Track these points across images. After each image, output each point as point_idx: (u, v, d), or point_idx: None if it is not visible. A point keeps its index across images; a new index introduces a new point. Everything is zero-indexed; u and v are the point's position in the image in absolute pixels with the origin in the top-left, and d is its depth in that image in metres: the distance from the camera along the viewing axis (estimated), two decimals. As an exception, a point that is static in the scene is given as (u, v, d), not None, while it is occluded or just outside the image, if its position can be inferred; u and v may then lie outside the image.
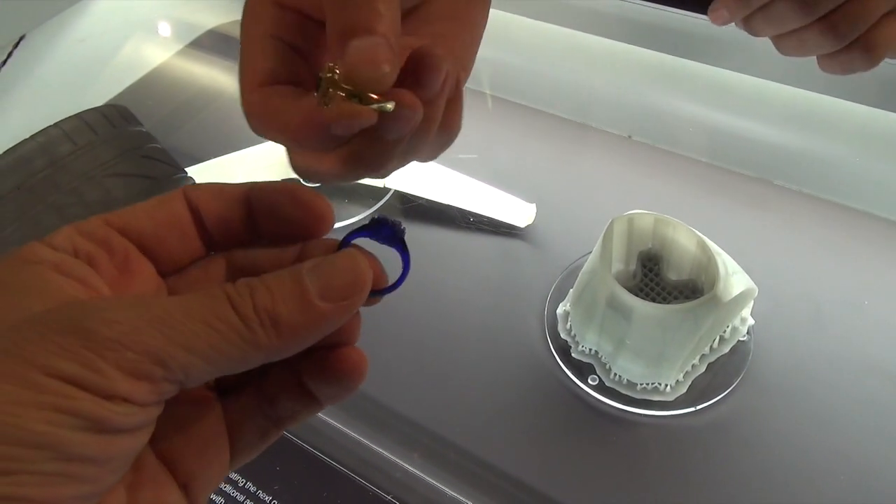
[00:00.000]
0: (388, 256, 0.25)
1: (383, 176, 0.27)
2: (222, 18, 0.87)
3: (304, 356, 0.23)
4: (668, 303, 0.54)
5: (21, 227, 0.49)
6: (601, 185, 0.67)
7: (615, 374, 0.52)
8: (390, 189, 0.67)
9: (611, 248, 0.52)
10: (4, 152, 0.50)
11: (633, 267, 0.56)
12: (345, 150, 0.25)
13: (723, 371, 0.53)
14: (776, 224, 0.62)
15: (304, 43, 0.27)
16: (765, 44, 0.46)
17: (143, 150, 0.56)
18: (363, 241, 0.24)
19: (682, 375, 0.51)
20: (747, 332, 0.54)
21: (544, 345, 0.56)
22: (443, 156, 0.29)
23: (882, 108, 0.61)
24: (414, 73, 0.24)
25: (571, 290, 0.56)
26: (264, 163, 0.67)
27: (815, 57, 0.43)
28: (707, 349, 0.52)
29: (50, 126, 0.53)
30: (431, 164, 0.39)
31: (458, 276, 0.61)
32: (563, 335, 0.56)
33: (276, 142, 0.26)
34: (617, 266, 0.55)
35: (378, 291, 0.24)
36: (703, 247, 0.51)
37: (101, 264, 0.22)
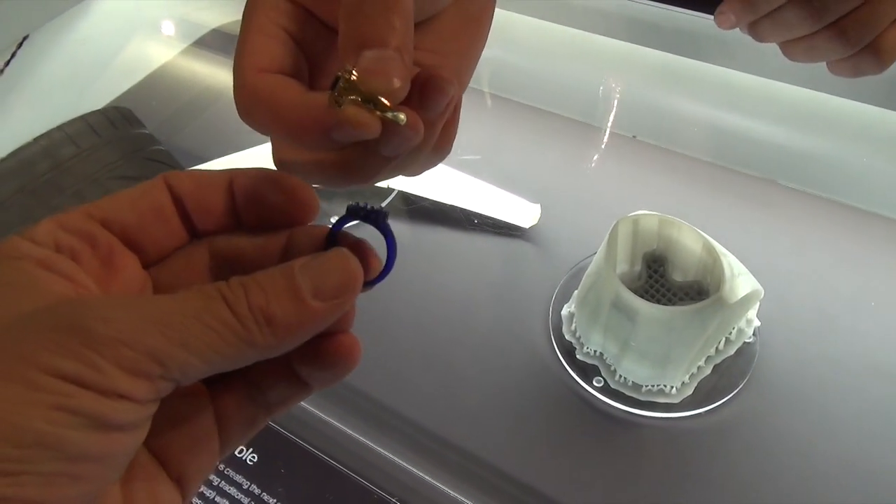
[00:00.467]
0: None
1: (367, 186, 0.27)
2: (226, 18, 0.87)
3: None
4: (673, 304, 0.54)
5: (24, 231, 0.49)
6: (606, 185, 0.67)
7: (620, 376, 0.52)
8: (394, 189, 0.66)
9: (616, 250, 0.52)
10: (7, 155, 0.50)
11: (637, 268, 0.55)
12: (336, 155, 0.25)
13: (728, 373, 0.53)
14: (782, 224, 0.62)
15: (308, 40, 0.27)
16: (770, 45, 0.45)
17: (146, 152, 0.56)
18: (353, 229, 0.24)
19: (687, 377, 0.51)
20: (753, 334, 0.54)
21: (549, 346, 0.56)
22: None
23: (889, 109, 0.61)
24: (420, 93, 0.24)
25: (576, 291, 0.56)
26: (268, 163, 0.67)
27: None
28: (713, 351, 0.52)
29: (53, 129, 0.53)
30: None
31: (461, 277, 0.61)
32: (567, 336, 0.55)
33: (265, 132, 0.25)
34: (622, 267, 0.54)
35: (369, 282, 0.23)
36: (709, 248, 0.51)
37: (85, 259, 0.22)
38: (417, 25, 0.28)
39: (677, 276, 0.55)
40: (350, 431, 0.52)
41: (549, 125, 0.72)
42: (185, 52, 0.85)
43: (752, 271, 0.52)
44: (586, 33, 0.65)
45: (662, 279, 0.55)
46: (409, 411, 0.53)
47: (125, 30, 0.84)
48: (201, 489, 0.49)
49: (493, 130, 0.71)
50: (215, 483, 0.49)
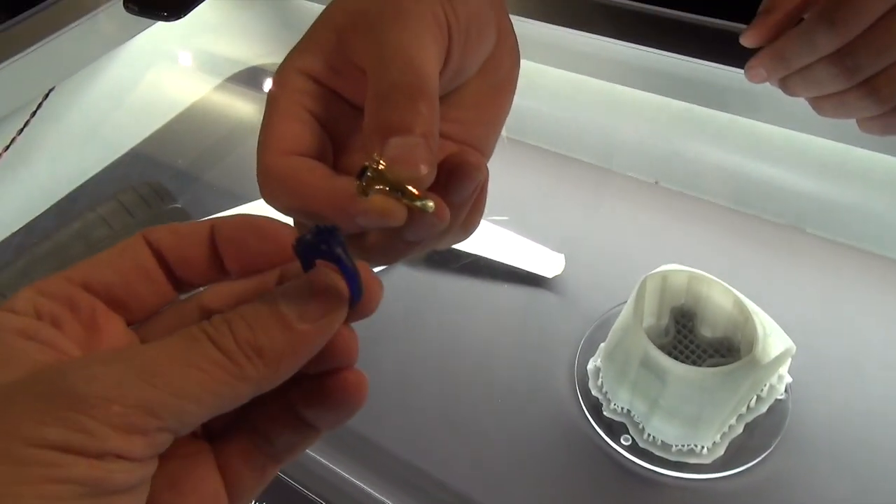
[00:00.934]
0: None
1: (386, 265, 0.27)
2: (250, 62, 0.88)
3: (296, 384, 0.23)
4: (702, 360, 0.53)
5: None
6: (630, 233, 0.66)
7: (649, 435, 0.51)
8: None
9: (643, 305, 0.51)
10: (43, 239, 0.51)
11: (665, 322, 0.54)
12: (360, 238, 0.25)
13: (760, 431, 0.51)
14: (810, 274, 0.61)
15: (334, 121, 0.27)
16: (797, 99, 0.45)
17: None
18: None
19: (718, 437, 0.50)
20: (785, 391, 0.52)
21: (574, 401, 0.55)
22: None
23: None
24: (448, 179, 0.24)
25: (603, 344, 0.55)
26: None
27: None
28: (744, 409, 0.50)
29: (87, 210, 0.54)
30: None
31: (484, 327, 0.60)
32: (594, 392, 0.54)
33: (288, 214, 0.25)
34: (648, 321, 0.53)
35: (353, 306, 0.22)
36: (740, 306, 0.50)
37: (67, 324, 0.21)
38: (442, 97, 0.28)
39: (706, 332, 0.53)
40: (365, 486, 0.51)
41: (571, 172, 0.71)
42: (206, 96, 0.86)
43: (780, 323, 0.51)
44: (611, 84, 0.65)
45: (691, 335, 0.54)
46: (427, 466, 0.52)
47: (149, 75, 0.85)
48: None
49: (516, 177, 0.71)
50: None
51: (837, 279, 0.60)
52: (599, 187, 0.70)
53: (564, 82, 0.69)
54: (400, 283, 0.63)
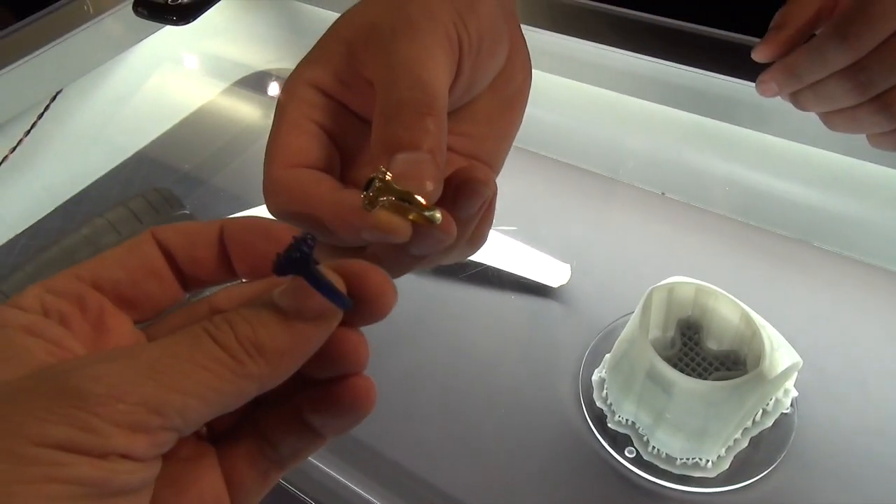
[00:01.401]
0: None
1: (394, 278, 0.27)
2: (258, 66, 0.88)
3: (303, 389, 0.22)
4: (708, 373, 0.52)
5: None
6: (637, 244, 0.66)
7: (653, 448, 0.50)
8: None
9: (649, 317, 0.51)
10: (51, 243, 0.51)
11: (671, 334, 0.54)
12: (365, 250, 0.25)
13: (766, 445, 0.51)
14: (817, 288, 0.61)
15: (341, 133, 0.27)
16: (806, 113, 0.45)
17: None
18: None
19: (724, 450, 0.50)
20: (791, 405, 0.52)
21: (578, 412, 0.55)
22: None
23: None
24: (455, 194, 0.24)
25: (608, 355, 0.55)
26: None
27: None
28: (750, 423, 0.50)
29: (96, 216, 0.53)
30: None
31: (488, 336, 0.60)
32: (598, 403, 0.54)
33: (294, 224, 0.25)
34: (654, 333, 0.53)
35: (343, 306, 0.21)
36: (748, 320, 0.49)
37: (74, 322, 0.21)
38: (453, 111, 0.28)
39: (712, 345, 0.53)
40: (366, 494, 0.51)
41: (579, 182, 0.71)
42: (212, 101, 0.86)
43: (786, 336, 0.51)
44: (619, 94, 0.65)
45: (697, 347, 0.54)
46: (429, 475, 0.52)
47: (156, 79, 0.86)
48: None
49: (523, 187, 0.71)
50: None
51: (845, 293, 0.60)
52: (607, 198, 0.70)
53: (573, 92, 0.69)
54: (406, 291, 0.62)
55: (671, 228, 0.66)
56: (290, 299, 0.20)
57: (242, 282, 0.24)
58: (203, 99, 0.85)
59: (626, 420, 0.52)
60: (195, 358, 0.19)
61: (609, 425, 0.53)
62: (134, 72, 0.82)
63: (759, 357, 0.47)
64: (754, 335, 0.49)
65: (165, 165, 0.78)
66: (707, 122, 0.63)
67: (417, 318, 0.61)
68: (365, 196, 0.22)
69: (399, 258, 0.25)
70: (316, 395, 0.23)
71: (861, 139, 0.43)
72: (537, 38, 0.62)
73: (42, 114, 0.70)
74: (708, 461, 0.49)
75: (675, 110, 0.63)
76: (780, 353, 0.48)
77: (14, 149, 0.70)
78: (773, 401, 0.51)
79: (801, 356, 0.50)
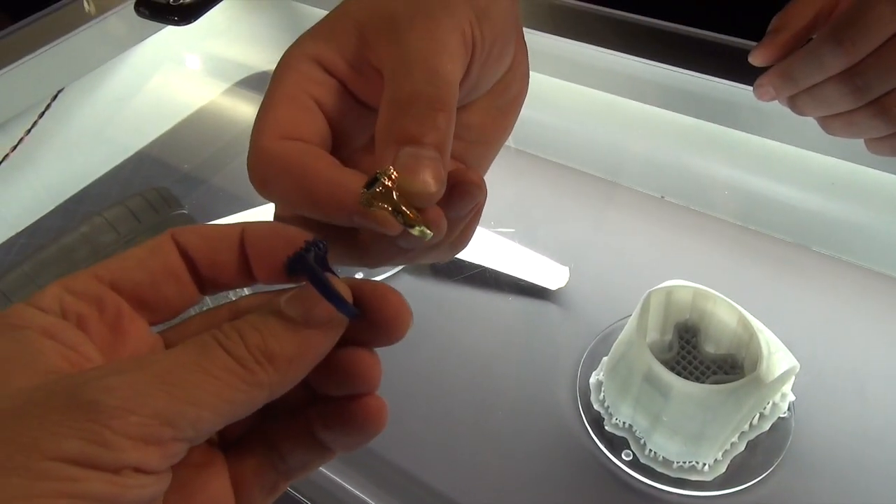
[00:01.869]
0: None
1: (372, 267, 0.27)
2: (259, 67, 0.88)
3: (315, 404, 0.22)
4: (705, 377, 0.52)
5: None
6: (635, 247, 0.66)
7: (650, 451, 0.50)
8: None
9: (647, 321, 0.51)
10: (49, 242, 0.51)
11: (669, 337, 0.54)
12: (351, 235, 0.25)
13: (763, 449, 0.51)
14: (815, 292, 0.61)
15: (339, 117, 0.26)
16: (805, 117, 0.45)
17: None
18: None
19: (720, 454, 0.50)
20: (788, 409, 0.52)
21: (576, 415, 0.55)
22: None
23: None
24: (448, 194, 0.23)
25: (605, 358, 0.55)
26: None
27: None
28: (747, 426, 0.50)
29: (94, 214, 0.54)
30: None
31: (486, 338, 0.60)
32: (595, 406, 0.54)
33: (278, 200, 0.24)
34: (652, 336, 0.53)
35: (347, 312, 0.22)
36: (745, 324, 0.49)
37: (92, 324, 0.21)
38: None
39: (710, 348, 0.53)
40: (362, 495, 0.51)
41: (578, 184, 0.71)
42: (214, 101, 0.86)
43: (783, 340, 0.51)
44: (618, 97, 0.65)
45: (695, 350, 0.54)
46: (426, 476, 0.52)
47: (157, 80, 0.86)
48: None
49: (522, 189, 0.71)
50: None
51: (843, 298, 0.60)
52: (606, 201, 0.70)
53: (573, 95, 0.69)
54: (404, 293, 0.63)
55: (670, 232, 0.66)
56: (298, 306, 0.20)
57: (269, 289, 0.24)
58: (204, 99, 0.86)
59: (623, 423, 0.52)
60: (206, 368, 0.19)
61: (606, 428, 0.53)
62: (135, 71, 0.82)
63: (756, 361, 0.47)
64: (752, 339, 0.49)
65: (166, 165, 0.78)
66: (706, 125, 0.63)
67: (415, 320, 0.61)
68: (364, 194, 0.22)
69: (385, 247, 0.24)
70: (327, 411, 0.23)
71: (859, 143, 0.44)
72: (538, 41, 0.62)
73: (43, 113, 0.71)
74: (705, 465, 0.49)
75: (675, 114, 0.63)
76: (778, 357, 0.48)
77: (15, 147, 0.70)
78: (770, 405, 0.51)
79: (798, 360, 0.50)
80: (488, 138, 0.29)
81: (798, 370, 0.50)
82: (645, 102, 0.64)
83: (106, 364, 0.20)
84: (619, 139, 0.71)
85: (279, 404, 0.22)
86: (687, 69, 0.57)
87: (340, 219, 0.23)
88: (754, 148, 0.63)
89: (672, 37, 0.57)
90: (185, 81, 0.89)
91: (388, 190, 0.21)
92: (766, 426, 0.51)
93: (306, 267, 0.21)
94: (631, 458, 0.51)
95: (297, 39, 0.26)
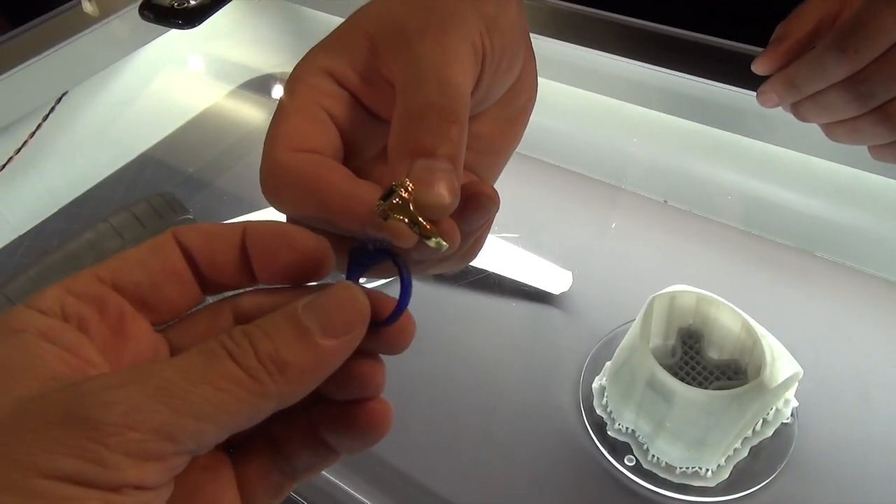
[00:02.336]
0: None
1: (388, 279, 0.27)
2: (263, 70, 0.88)
3: (321, 408, 0.22)
4: (709, 383, 0.52)
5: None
6: (639, 252, 0.66)
7: (653, 456, 0.50)
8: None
9: (650, 326, 0.51)
10: (54, 248, 0.51)
11: (672, 342, 0.54)
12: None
13: (766, 455, 0.51)
14: (819, 298, 0.61)
15: (350, 130, 0.26)
16: (809, 123, 0.45)
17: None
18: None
19: (723, 460, 0.50)
20: (791, 415, 0.52)
21: (578, 420, 0.55)
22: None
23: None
24: (462, 207, 0.23)
25: (608, 363, 0.55)
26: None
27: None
28: (750, 432, 0.50)
29: (99, 221, 0.54)
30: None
31: (489, 342, 0.60)
32: (598, 411, 0.54)
33: (290, 212, 0.24)
34: (655, 341, 0.53)
35: (384, 322, 0.22)
36: (749, 329, 0.49)
37: (93, 327, 0.21)
38: None
39: (713, 354, 0.53)
40: (363, 498, 0.51)
41: (581, 189, 0.71)
42: (216, 105, 0.86)
43: (787, 346, 0.51)
44: (623, 102, 0.65)
45: (698, 356, 0.54)
46: (428, 481, 0.52)
47: (161, 83, 0.86)
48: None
49: (526, 194, 0.71)
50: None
51: (846, 303, 0.60)
52: (609, 205, 0.70)
53: (577, 100, 0.69)
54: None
55: (673, 237, 0.66)
56: (317, 315, 0.20)
57: (269, 287, 0.24)
58: (208, 102, 0.86)
59: (626, 428, 0.52)
60: (212, 379, 0.18)
61: (609, 433, 0.53)
62: (139, 75, 0.83)
63: (759, 367, 0.47)
64: (755, 345, 0.49)
65: (170, 168, 0.78)
66: (710, 131, 0.63)
67: (419, 324, 0.61)
68: (380, 206, 0.22)
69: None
70: (333, 413, 0.23)
71: (863, 149, 0.43)
72: (543, 46, 0.62)
73: (47, 116, 0.71)
74: (707, 470, 0.49)
75: (679, 119, 0.63)
76: (781, 363, 0.48)
77: (19, 150, 0.70)
78: (773, 411, 0.51)
79: (802, 366, 0.50)
80: (498, 148, 0.29)
81: (802, 376, 0.50)
82: (649, 107, 0.64)
83: (108, 373, 0.20)
84: (623, 144, 0.71)
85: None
86: (691, 74, 0.57)
87: (355, 230, 0.23)
88: (758, 153, 0.63)
89: (676, 42, 0.57)
90: (188, 84, 0.90)
91: (405, 202, 0.21)
92: (770, 432, 0.51)
93: (397, 261, 0.20)
94: (634, 463, 0.51)
95: (309, 52, 0.26)
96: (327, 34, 0.27)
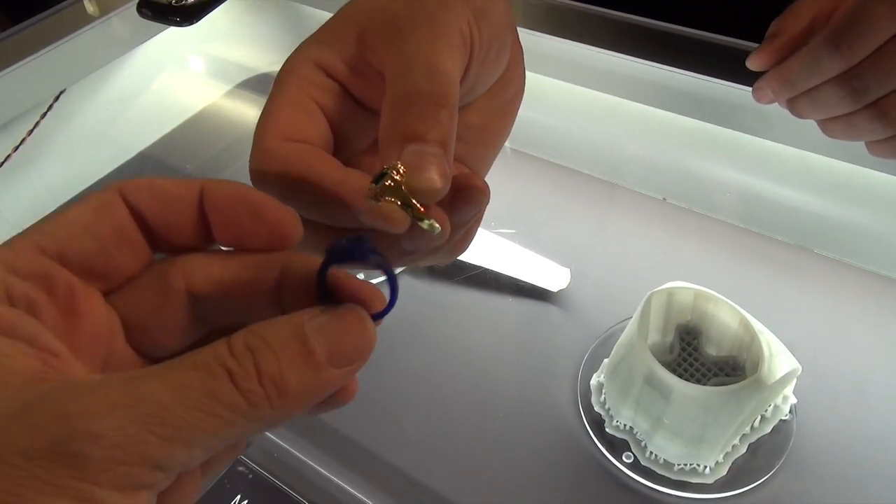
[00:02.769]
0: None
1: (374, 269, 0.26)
2: (261, 68, 0.88)
3: None
4: (707, 379, 0.52)
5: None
6: (637, 248, 0.66)
7: (651, 453, 0.50)
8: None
9: (648, 322, 0.51)
10: None
11: (670, 339, 0.54)
12: (355, 234, 0.25)
13: (764, 451, 0.51)
14: (817, 294, 0.61)
15: (340, 121, 0.26)
16: (807, 119, 0.45)
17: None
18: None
19: (721, 456, 0.49)
20: (789, 411, 0.52)
21: (577, 417, 0.55)
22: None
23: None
24: (453, 199, 0.23)
25: (606, 360, 0.55)
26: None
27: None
28: (748, 429, 0.50)
29: None
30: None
31: (487, 340, 0.60)
32: (596, 408, 0.54)
33: (280, 199, 0.23)
34: (653, 338, 0.53)
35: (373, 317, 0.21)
36: (747, 325, 0.49)
37: (43, 308, 0.19)
38: None
39: (711, 350, 0.53)
40: (365, 499, 0.51)
41: (579, 186, 0.71)
42: (214, 104, 0.86)
43: (786, 342, 0.51)
44: (621, 99, 0.65)
45: (696, 353, 0.54)
46: (426, 478, 0.52)
47: (159, 82, 0.86)
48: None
49: (524, 190, 0.71)
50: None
51: (844, 300, 0.60)
52: (607, 202, 0.70)
53: (575, 97, 0.69)
54: (403, 293, 0.63)
55: (671, 234, 0.66)
56: (326, 338, 0.19)
57: (221, 249, 0.22)
58: (206, 100, 0.86)
59: (624, 425, 0.52)
60: (206, 405, 0.17)
61: (607, 430, 0.53)
62: (137, 73, 0.82)
63: (757, 363, 0.47)
64: (753, 340, 0.49)
65: (168, 166, 0.78)
66: (709, 127, 0.63)
67: (415, 322, 0.61)
68: (372, 189, 0.21)
69: (388, 249, 0.24)
70: None
71: (861, 145, 0.43)
72: (540, 43, 0.62)
73: (45, 113, 0.71)
74: (706, 467, 0.49)
75: (677, 115, 0.63)
76: (779, 360, 0.48)
77: (17, 148, 0.70)
78: (771, 407, 0.51)
79: (800, 362, 0.50)
80: (488, 139, 0.29)
81: (800, 372, 0.50)
82: (647, 104, 0.64)
83: (87, 385, 0.17)
84: (621, 141, 0.71)
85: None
86: (688, 71, 0.57)
87: (345, 218, 0.23)
88: (756, 150, 0.63)
89: (673, 38, 0.57)
90: (187, 83, 0.90)
91: (397, 184, 0.21)
92: (768, 428, 0.51)
93: (379, 263, 0.19)
94: (632, 460, 0.51)
95: (300, 44, 0.26)
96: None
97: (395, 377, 0.57)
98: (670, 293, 0.52)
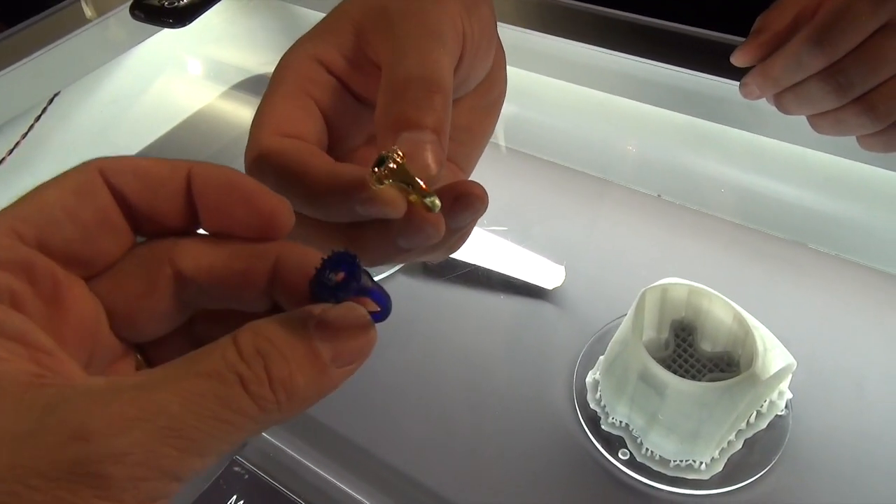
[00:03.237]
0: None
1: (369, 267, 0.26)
2: (256, 70, 0.88)
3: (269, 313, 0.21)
4: (702, 375, 0.52)
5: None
6: (631, 245, 0.66)
7: (647, 450, 0.50)
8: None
9: (643, 319, 0.50)
10: None
11: (665, 336, 0.54)
12: (349, 232, 0.25)
13: (760, 447, 0.51)
14: (812, 290, 0.61)
15: (337, 116, 0.27)
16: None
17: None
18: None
19: (717, 452, 0.49)
20: (785, 407, 0.52)
21: (572, 414, 0.54)
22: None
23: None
24: (452, 204, 0.23)
25: (601, 357, 0.55)
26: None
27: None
28: (743, 425, 0.50)
29: None
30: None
31: (482, 338, 0.60)
32: (592, 405, 0.54)
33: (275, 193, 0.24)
34: (648, 334, 0.53)
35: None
36: (741, 320, 0.49)
37: (27, 301, 0.18)
38: None
39: (706, 346, 0.53)
40: (361, 498, 0.51)
41: (573, 183, 0.71)
42: (209, 105, 0.86)
43: (781, 338, 0.51)
44: (614, 96, 0.65)
45: (691, 349, 0.54)
46: (421, 477, 0.52)
47: (154, 83, 0.86)
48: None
49: (517, 188, 0.71)
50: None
51: (839, 295, 0.60)
52: (601, 199, 0.70)
53: (568, 94, 0.69)
54: (396, 291, 0.63)
55: (665, 230, 0.66)
56: (330, 339, 0.19)
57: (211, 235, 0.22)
58: (201, 102, 0.86)
59: (620, 422, 0.52)
60: (220, 413, 0.17)
61: (602, 427, 0.53)
62: (132, 75, 0.83)
63: (752, 358, 0.47)
64: (747, 336, 0.49)
65: (163, 168, 0.78)
66: (702, 123, 0.63)
67: (409, 320, 0.61)
68: (373, 173, 0.21)
69: (383, 245, 0.24)
70: None
71: (854, 140, 0.43)
72: (531, 40, 0.62)
73: (39, 116, 0.71)
74: (701, 463, 0.49)
75: (671, 112, 0.63)
76: (774, 355, 0.48)
77: (11, 151, 0.70)
78: (767, 402, 0.50)
79: (796, 358, 0.50)
80: (474, 138, 0.29)
81: (795, 367, 0.50)
82: (639, 100, 0.64)
83: (97, 393, 0.17)
84: (614, 137, 0.71)
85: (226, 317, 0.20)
86: (681, 67, 0.57)
87: (340, 211, 0.23)
88: (750, 145, 0.63)
89: (665, 34, 0.57)
90: (181, 85, 0.90)
91: (399, 165, 0.21)
92: (764, 424, 0.51)
93: (358, 289, 0.19)
94: (628, 457, 0.51)
95: (297, 41, 0.27)
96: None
97: (389, 376, 0.57)
98: (664, 289, 0.52)
